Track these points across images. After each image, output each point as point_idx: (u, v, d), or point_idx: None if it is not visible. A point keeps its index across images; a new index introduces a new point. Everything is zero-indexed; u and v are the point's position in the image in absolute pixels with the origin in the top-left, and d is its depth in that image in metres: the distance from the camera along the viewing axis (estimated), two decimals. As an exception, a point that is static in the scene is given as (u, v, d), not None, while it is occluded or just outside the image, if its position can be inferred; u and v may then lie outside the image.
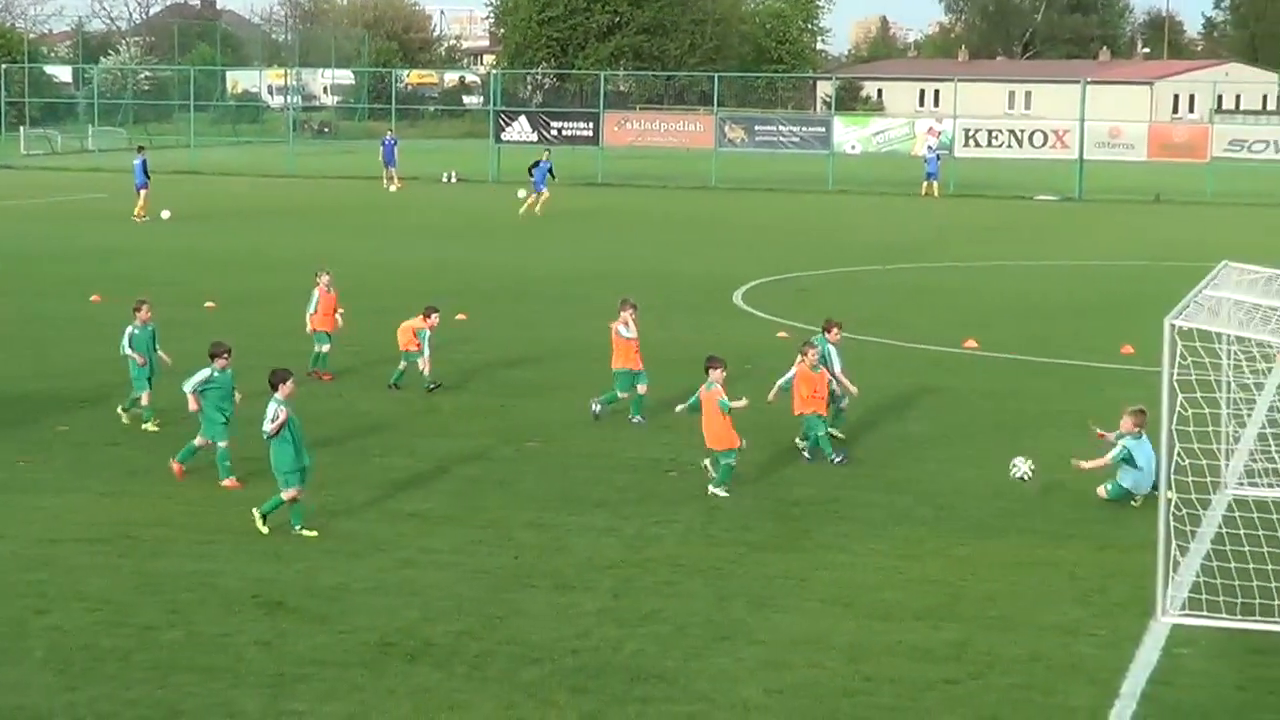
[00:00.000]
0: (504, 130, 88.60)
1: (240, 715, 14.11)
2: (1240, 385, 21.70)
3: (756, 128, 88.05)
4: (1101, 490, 21.46)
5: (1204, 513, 19.29)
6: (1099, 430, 22.09)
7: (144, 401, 25.16)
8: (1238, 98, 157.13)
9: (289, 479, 19.67)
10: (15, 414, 26.28)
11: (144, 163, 62.45)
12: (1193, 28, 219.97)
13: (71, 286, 40.93)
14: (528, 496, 21.61)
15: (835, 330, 24.78)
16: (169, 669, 15.13)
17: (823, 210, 70.10)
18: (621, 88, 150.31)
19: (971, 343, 33.65)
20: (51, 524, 19.97)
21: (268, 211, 66.08)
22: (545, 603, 17.19)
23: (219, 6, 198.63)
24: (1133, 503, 21.12)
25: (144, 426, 25.03)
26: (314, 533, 19.61)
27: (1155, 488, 19.92)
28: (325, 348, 29.66)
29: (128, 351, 25.21)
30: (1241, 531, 17.95)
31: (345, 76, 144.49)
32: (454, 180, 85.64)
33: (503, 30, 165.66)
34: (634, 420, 26.11)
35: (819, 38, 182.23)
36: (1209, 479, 19.77)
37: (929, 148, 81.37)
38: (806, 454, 23.67)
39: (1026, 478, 21.33)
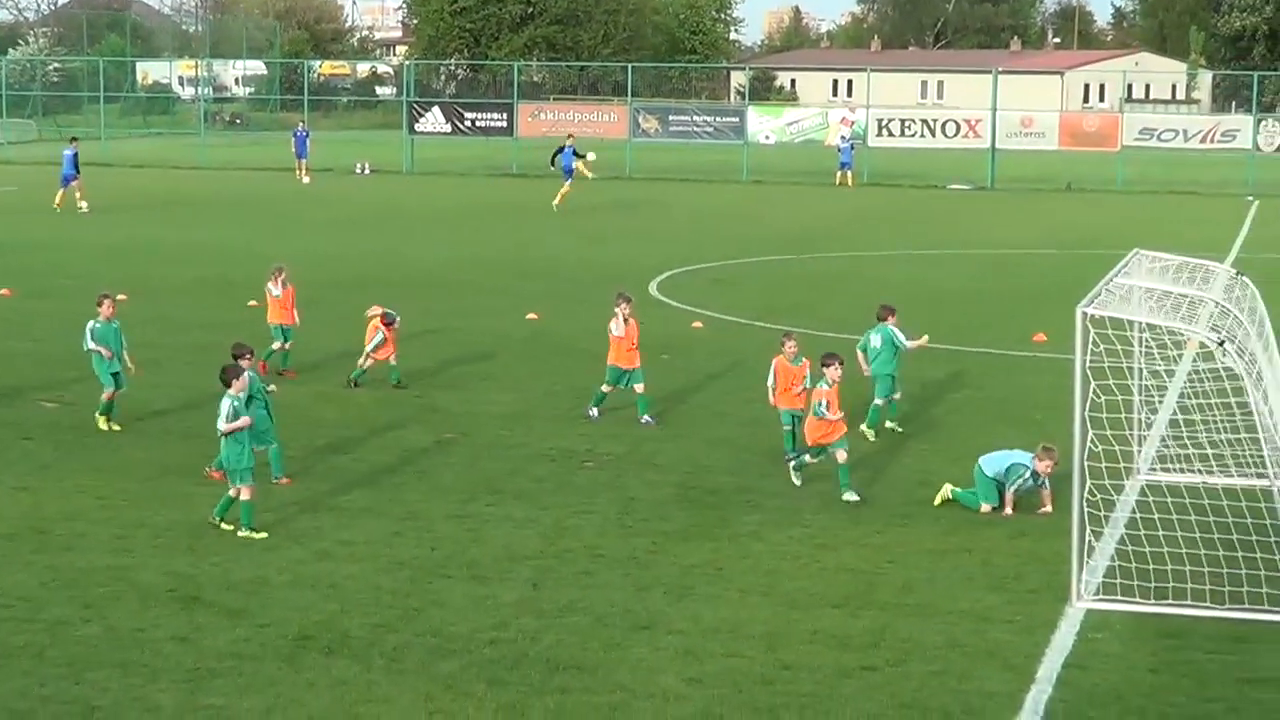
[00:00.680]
0: (417, 121, 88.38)
1: (157, 710, 14.03)
2: (1151, 372, 21.91)
3: (671, 118, 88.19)
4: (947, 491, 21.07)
5: (1117, 498, 19.47)
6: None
7: (106, 398, 24.60)
8: (1147, 87, 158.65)
9: (242, 476, 19.45)
10: (-75, 409, 25.99)
11: (75, 155, 61.77)
12: (1102, 18, 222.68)
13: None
14: (446, 488, 21.57)
15: (892, 316, 24.83)
16: (84, 665, 15.01)
17: (737, 200, 70.25)
18: (535, 78, 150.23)
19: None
20: (-37, 520, 19.76)
21: (179, 203, 65.59)
22: (463, 594, 17.17)
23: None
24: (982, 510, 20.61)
25: (98, 419, 24.59)
26: (263, 534, 19.22)
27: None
28: (282, 344, 28.96)
29: (91, 346, 24.47)
30: (1155, 516, 18.12)
31: (257, 68, 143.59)
32: (368, 171, 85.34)
33: (415, 21, 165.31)
34: (642, 420, 25.25)
35: (732, 28, 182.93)
36: (1121, 465, 19.96)
37: (843, 137, 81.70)
38: (790, 465, 22.00)
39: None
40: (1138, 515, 18.75)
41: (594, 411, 25.72)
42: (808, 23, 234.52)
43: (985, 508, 20.56)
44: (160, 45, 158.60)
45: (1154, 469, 21.57)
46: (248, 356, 21.41)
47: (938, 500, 20.86)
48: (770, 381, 23.09)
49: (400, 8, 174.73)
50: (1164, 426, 23.14)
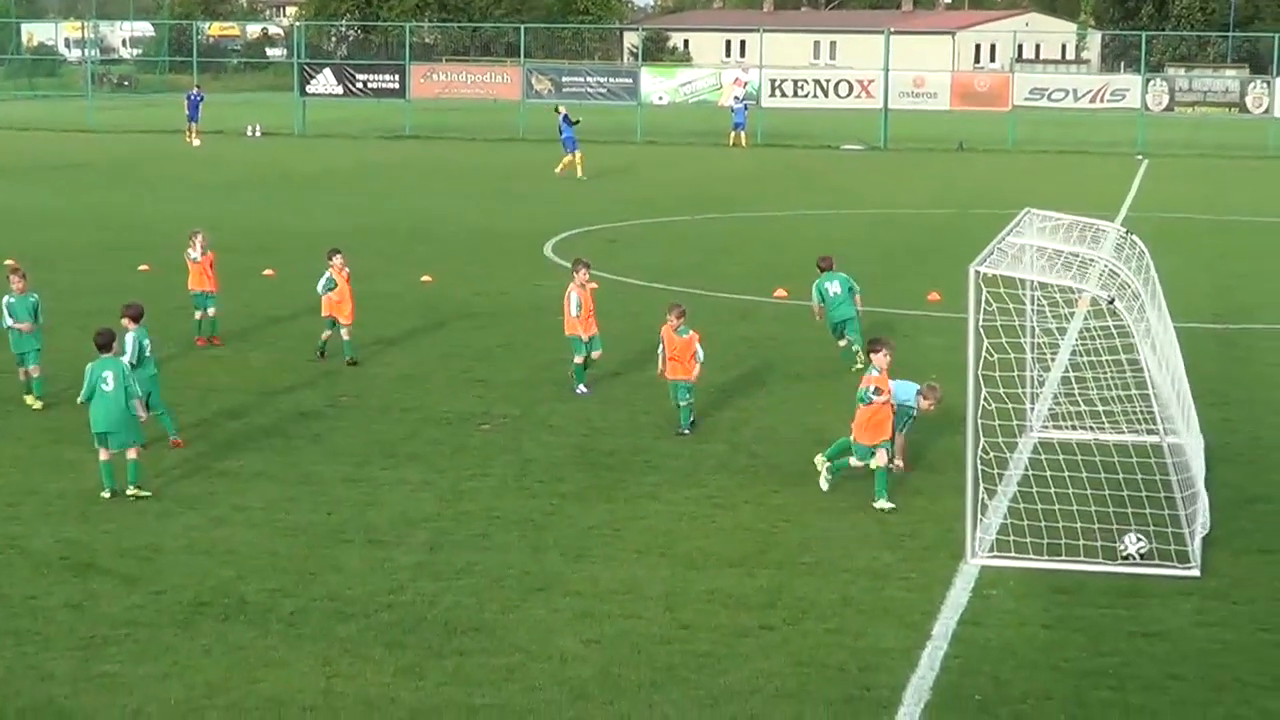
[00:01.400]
0: (308, 83, 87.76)
1: (51, 679, 13.91)
2: (1044, 330, 22.13)
3: (564, 79, 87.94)
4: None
5: (1010, 456, 19.66)
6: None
7: (34, 374, 23.99)
8: (1038, 47, 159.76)
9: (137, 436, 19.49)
10: None
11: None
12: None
13: None
14: (341, 451, 21.49)
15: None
16: (-24, 634, 14.87)
17: (631, 161, 70.19)
18: (427, 39, 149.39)
19: (781, 292, 33.94)
20: None
21: (67, 167, 64.80)
22: (360, 558, 17.13)
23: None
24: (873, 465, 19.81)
25: (27, 400, 23.95)
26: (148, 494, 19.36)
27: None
28: (204, 312, 28.43)
29: (9, 324, 23.90)
30: (1047, 474, 18.33)
31: (145, 29, 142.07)
32: (259, 134, 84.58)
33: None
34: (578, 390, 24.81)
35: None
36: (1014, 422, 20.15)
37: (736, 98, 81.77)
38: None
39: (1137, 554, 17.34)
40: (1030, 473, 18.96)
41: (582, 388, 24.83)
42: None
43: (880, 458, 19.43)
44: (45, 6, 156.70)
45: (1046, 426, 21.79)
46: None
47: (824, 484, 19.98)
48: (659, 350, 22.97)
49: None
50: (1056, 384, 23.38)
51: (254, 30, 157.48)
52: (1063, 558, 17.03)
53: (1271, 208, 53.07)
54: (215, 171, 63.28)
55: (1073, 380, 22.02)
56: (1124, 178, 63.56)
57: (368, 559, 17.11)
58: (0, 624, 15.12)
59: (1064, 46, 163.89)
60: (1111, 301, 16.83)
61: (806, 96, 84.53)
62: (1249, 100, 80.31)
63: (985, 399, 17.74)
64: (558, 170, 61.61)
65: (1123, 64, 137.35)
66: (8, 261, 25.98)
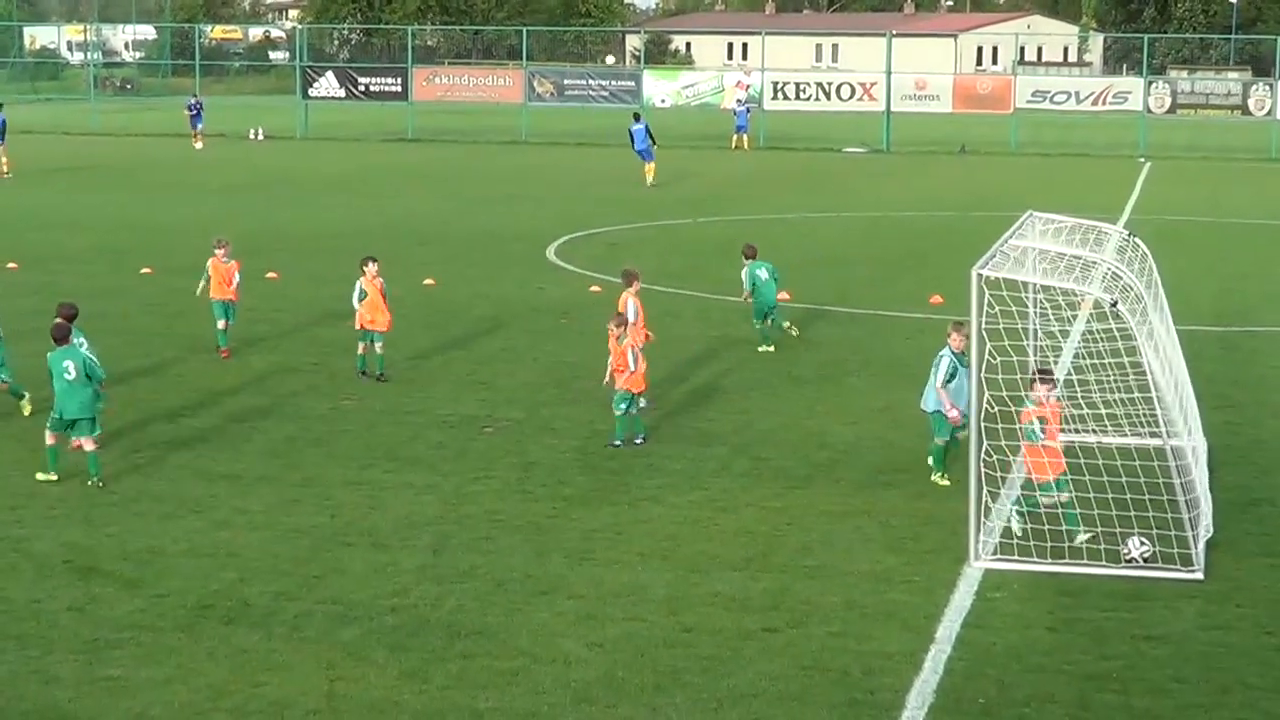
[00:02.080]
0: (311, 86, 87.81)
1: (55, 682, 13.90)
2: (1046, 333, 22.12)
3: (566, 82, 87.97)
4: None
5: (1014, 459, 19.65)
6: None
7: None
8: (1040, 49, 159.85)
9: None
10: None
11: (2, 121, 61.06)
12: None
13: None
14: (344, 455, 21.48)
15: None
16: (-21, 637, 14.87)
17: (633, 164, 70.17)
18: (430, 42, 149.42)
19: (784, 295, 33.88)
20: None
21: (69, 170, 64.84)
22: (363, 561, 17.12)
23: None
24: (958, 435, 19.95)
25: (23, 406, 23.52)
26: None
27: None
28: (226, 323, 27.61)
29: None
30: (1050, 477, 18.29)
31: (147, 32, 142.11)
32: (261, 137, 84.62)
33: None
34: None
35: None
36: (1018, 425, 20.12)
37: (738, 101, 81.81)
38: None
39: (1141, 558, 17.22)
40: (1034, 476, 18.93)
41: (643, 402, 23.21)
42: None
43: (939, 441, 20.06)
44: (47, 9, 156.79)
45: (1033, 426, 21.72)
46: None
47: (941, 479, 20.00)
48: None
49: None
50: (1059, 387, 23.34)
51: (256, 33, 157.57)
52: (1066, 561, 17.02)
53: (1274, 210, 53.06)
54: (218, 174, 63.28)
55: (1075, 383, 22.00)
56: (1126, 180, 63.54)
57: (371, 562, 17.10)
58: (3, 627, 15.12)
59: (1066, 49, 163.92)
60: (1114, 304, 16.81)
61: (809, 99, 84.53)
62: (1251, 103, 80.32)
63: (988, 402, 17.73)
64: (650, 181, 59.82)
65: (1125, 67, 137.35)
66: None
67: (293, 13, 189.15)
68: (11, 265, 36.97)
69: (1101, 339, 20.29)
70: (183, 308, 31.20)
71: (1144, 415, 19.50)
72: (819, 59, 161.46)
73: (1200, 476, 18.37)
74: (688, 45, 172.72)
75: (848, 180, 63.62)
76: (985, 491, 17.47)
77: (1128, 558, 17.00)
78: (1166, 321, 20.28)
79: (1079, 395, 21.99)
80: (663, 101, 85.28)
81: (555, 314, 28.34)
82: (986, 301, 17.29)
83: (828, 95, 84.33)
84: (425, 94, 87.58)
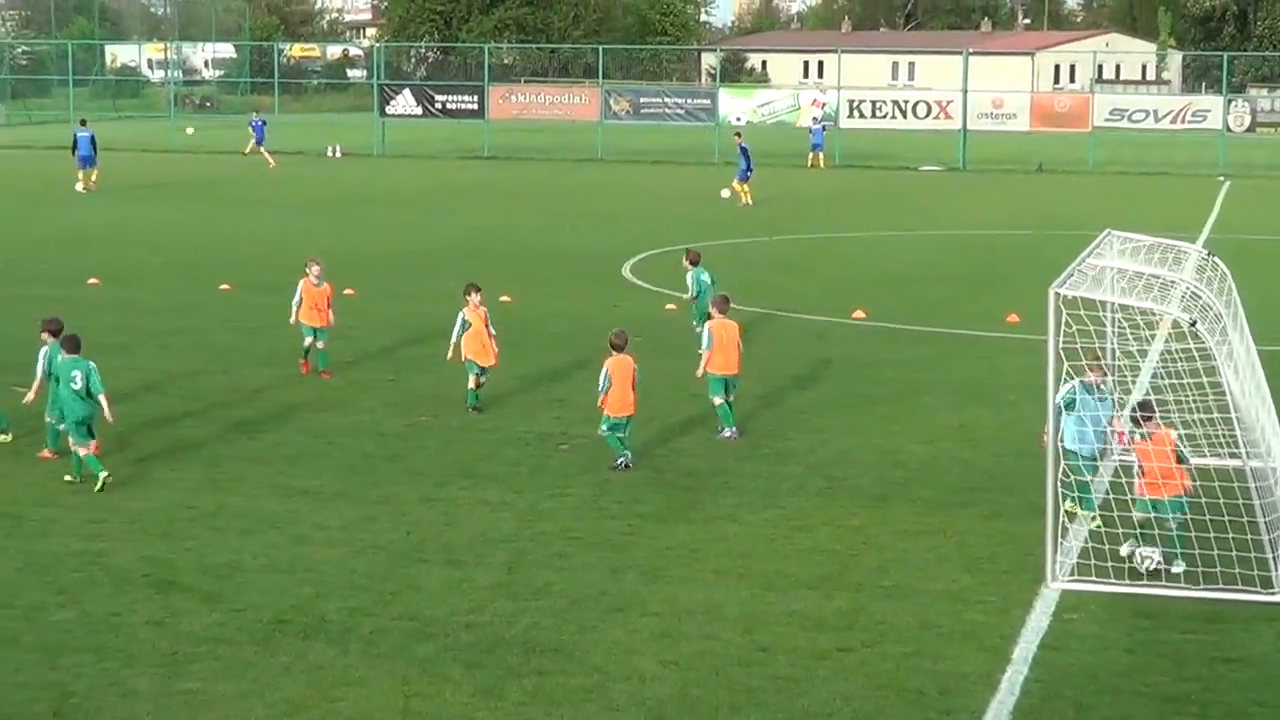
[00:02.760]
0: (388, 103, 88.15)
1: (133, 695, 14.01)
2: (1124, 352, 21.98)
3: (642, 100, 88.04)
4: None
5: (1091, 480, 19.52)
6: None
7: None
8: (1118, 67, 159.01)
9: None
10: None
11: (91, 137, 62.09)
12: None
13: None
14: (420, 471, 21.56)
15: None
16: (59, 650, 14.99)
17: (709, 182, 70.16)
18: (506, 61, 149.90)
19: (859, 313, 33.86)
20: (-64, 506, 19.72)
21: (148, 187, 65.38)
22: (439, 578, 17.17)
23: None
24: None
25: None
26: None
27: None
28: (313, 341, 27.48)
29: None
30: (1128, 497, 18.18)
31: (226, 50, 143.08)
32: (339, 154, 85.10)
33: (385, 3, 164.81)
34: (725, 434, 23.64)
35: (702, 9, 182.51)
36: (1096, 445, 19.99)
37: (814, 119, 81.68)
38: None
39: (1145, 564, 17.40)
40: (1111, 496, 18.81)
41: (728, 431, 23.62)
42: (778, 4, 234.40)
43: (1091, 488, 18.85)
44: (129, 28, 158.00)
45: (1128, 449, 21.62)
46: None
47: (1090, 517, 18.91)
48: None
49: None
50: (1136, 407, 23.16)
51: (334, 51, 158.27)
52: (1145, 583, 16.90)
53: (1355, 229, 52.54)
54: (296, 192, 63.69)
55: (1154, 403, 21.85)
56: (1205, 199, 63.07)
57: (446, 579, 17.15)
58: (83, 640, 15.25)
59: (1144, 67, 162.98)
60: (1193, 324, 16.70)
61: (885, 117, 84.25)
62: (1333, 121, 79.61)
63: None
64: (745, 200, 59.50)
65: (1204, 85, 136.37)
66: None
67: (370, 31, 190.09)
68: (93, 281, 37.30)
69: (1180, 359, 20.15)
70: (260, 323, 31.42)
71: (1223, 436, 19.36)
72: (895, 77, 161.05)
73: (1280, 498, 18.21)
74: (763, 63, 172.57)
75: (923, 199, 63.41)
76: (1062, 512, 17.36)
77: (1127, 556, 16.98)
78: (1247, 341, 20.11)
79: (1157, 415, 21.84)
80: (738, 120, 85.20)
81: (631, 332, 28.20)
82: (1064, 320, 17.19)
83: (904, 113, 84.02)
84: (501, 112, 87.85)
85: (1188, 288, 18.02)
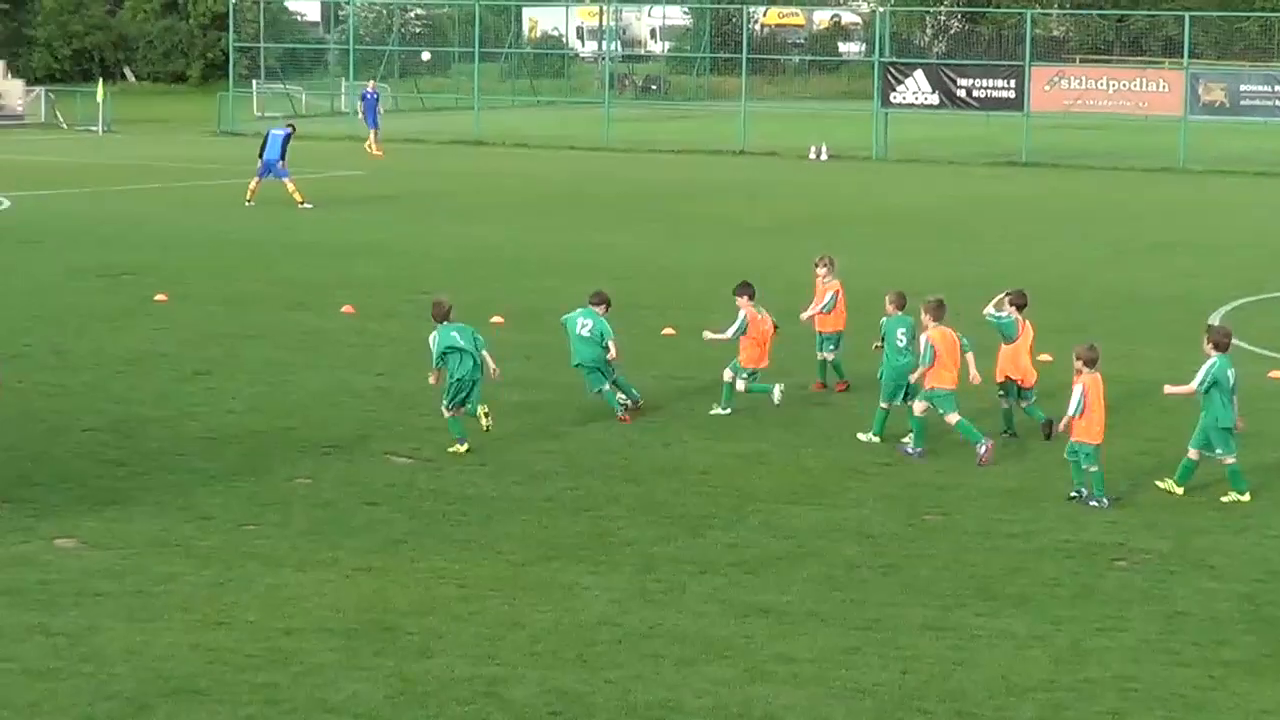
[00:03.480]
0: (893, 90, 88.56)
1: None
2: None
3: (1242, 88, 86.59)
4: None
5: None
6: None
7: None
8: None
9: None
10: (244, 461, 27.07)
11: (286, 137, 62.88)
12: None
13: (320, 293, 41.98)
14: (922, 588, 21.55)
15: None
16: (439, 807, 15.43)
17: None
18: (1055, 32, 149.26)
19: None
20: (288, 608, 20.48)
21: (571, 197, 67.00)
22: (944, 736, 17.16)
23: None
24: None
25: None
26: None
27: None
28: (829, 354, 32.09)
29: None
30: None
31: (678, 16, 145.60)
32: (824, 156, 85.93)
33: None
34: (1092, 503, 25.53)
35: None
36: None
37: None
38: None
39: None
40: None
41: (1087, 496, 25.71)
42: None
43: None
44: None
45: None
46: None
47: None
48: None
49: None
50: None
51: (822, 18, 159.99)
52: None
53: None
54: (764, 205, 64.46)
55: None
56: None
57: (954, 737, 17.12)
58: (470, 795, 15.64)
59: None
60: None
61: None
62: None
63: None
64: None
65: None
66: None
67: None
68: (496, 320, 38.28)
69: None
70: (711, 381, 31.88)
71: None
72: None
73: None
74: None
75: None
76: None
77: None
78: None
79: None
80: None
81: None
82: None
83: None
84: (1046, 102, 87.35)
85: None
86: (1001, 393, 29.32)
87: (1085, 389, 25.37)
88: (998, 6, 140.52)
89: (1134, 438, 29.00)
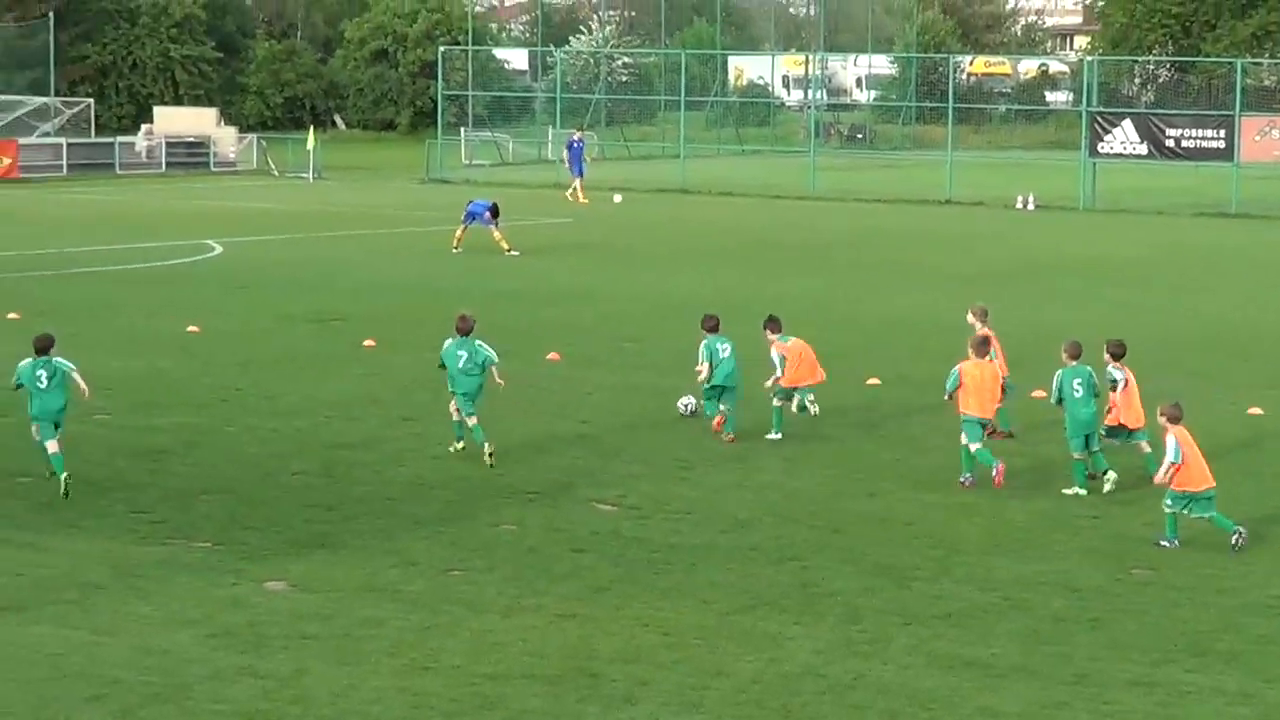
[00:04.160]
0: (1100, 139, 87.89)
1: None
2: None
3: None
4: None
5: None
6: None
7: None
8: None
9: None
10: (450, 506, 27.22)
11: (492, 208, 62.28)
12: None
13: (526, 339, 42.19)
14: (1130, 643, 21.34)
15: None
16: None
17: None
18: (1266, 82, 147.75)
19: None
20: (493, 654, 20.56)
21: (776, 245, 67.00)
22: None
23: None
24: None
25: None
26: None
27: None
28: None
29: None
30: None
31: (884, 65, 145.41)
32: (1030, 206, 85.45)
33: (1101, 4, 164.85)
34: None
35: None
36: None
37: None
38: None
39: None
40: None
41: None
42: None
43: None
44: (759, 35, 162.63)
45: None
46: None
47: None
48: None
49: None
50: None
51: (1029, 68, 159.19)
52: None
53: None
54: (969, 254, 64.22)
55: None
56: None
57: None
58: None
59: None
60: None
61: None
62: None
63: None
64: None
65: None
66: None
67: (1079, 41, 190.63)
68: (702, 370, 38.25)
69: None
70: (919, 432, 31.75)
71: None
72: None
73: None
74: None
75: None
76: None
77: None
78: None
79: None
80: None
81: None
82: None
83: None
84: (1257, 152, 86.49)
85: None
86: (1108, 435, 29.33)
87: (1179, 439, 25.69)
88: (1207, 56, 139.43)
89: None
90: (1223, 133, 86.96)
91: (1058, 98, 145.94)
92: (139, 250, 62.06)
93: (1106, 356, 29.70)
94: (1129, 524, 26.76)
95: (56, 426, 27.74)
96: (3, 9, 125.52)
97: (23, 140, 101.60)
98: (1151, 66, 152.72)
